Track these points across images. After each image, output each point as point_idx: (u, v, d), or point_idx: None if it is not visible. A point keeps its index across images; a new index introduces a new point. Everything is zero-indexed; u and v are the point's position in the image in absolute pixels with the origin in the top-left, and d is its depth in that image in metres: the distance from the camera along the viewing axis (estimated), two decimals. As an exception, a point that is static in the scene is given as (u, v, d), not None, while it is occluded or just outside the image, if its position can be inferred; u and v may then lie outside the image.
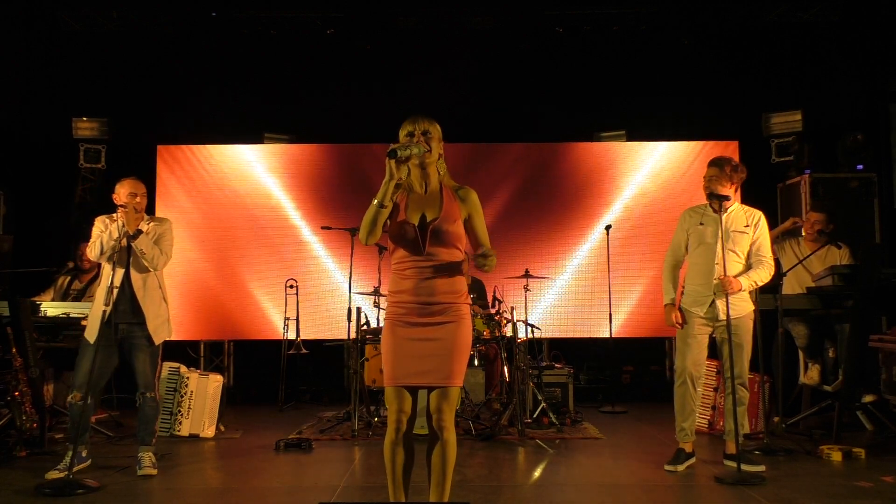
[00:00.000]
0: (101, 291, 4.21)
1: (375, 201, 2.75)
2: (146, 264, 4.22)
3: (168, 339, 4.39)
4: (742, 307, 4.24)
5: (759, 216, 4.33)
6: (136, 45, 7.55)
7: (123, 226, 4.15)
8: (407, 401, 2.81)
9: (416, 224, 2.80)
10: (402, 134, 2.94)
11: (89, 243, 4.24)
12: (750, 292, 4.34)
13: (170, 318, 4.42)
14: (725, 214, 4.22)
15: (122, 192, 4.30)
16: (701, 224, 4.32)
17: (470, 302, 2.93)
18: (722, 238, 4.17)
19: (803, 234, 5.65)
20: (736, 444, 4.08)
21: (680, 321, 4.30)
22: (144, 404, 4.28)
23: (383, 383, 2.92)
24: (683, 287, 4.42)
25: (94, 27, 7.48)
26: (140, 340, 4.24)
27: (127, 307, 4.21)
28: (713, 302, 4.22)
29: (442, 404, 2.75)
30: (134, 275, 4.23)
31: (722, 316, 4.18)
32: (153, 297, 4.28)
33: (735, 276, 4.17)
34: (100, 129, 7.31)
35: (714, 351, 4.47)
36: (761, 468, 4.08)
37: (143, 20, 7.40)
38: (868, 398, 5.24)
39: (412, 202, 2.86)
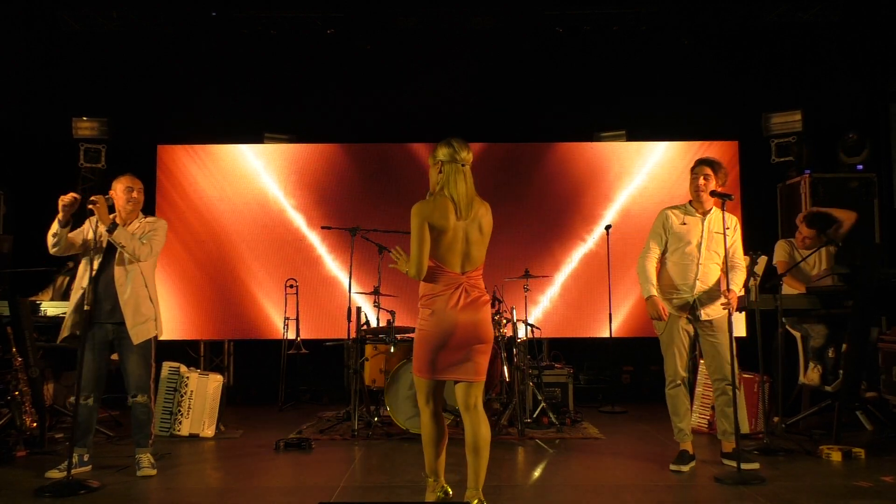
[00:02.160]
0: (76, 291, 4.17)
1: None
2: (128, 256, 4.12)
3: (152, 337, 4.24)
4: (719, 307, 4.27)
5: (735, 220, 4.42)
6: (136, 45, 7.55)
7: (98, 222, 4.06)
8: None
9: None
10: None
11: None
12: (740, 296, 4.42)
13: (158, 318, 4.29)
14: (708, 216, 4.30)
15: (119, 187, 4.28)
16: (683, 224, 4.35)
17: (424, 304, 3.28)
18: (725, 236, 4.22)
19: (796, 241, 5.62)
20: (737, 444, 4.08)
21: (666, 312, 4.31)
22: (136, 409, 4.20)
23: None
24: (662, 287, 4.42)
25: (94, 27, 7.48)
26: (126, 341, 4.15)
27: (111, 307, 4.14)
28: (695, 302, 4.25)
29: None
30: (118, 273, 4.16)
31: (703, 317, 4.25)
32: (136, 297, 4.17)
33: (715, 284, 4.26)
34: (100, 129, 7.31)
35: (699, 352, 4.51)
36: (755, 465, 4.07)
37: (143, 20, 7.40)
38: (869, 395, 5.24)
39: None
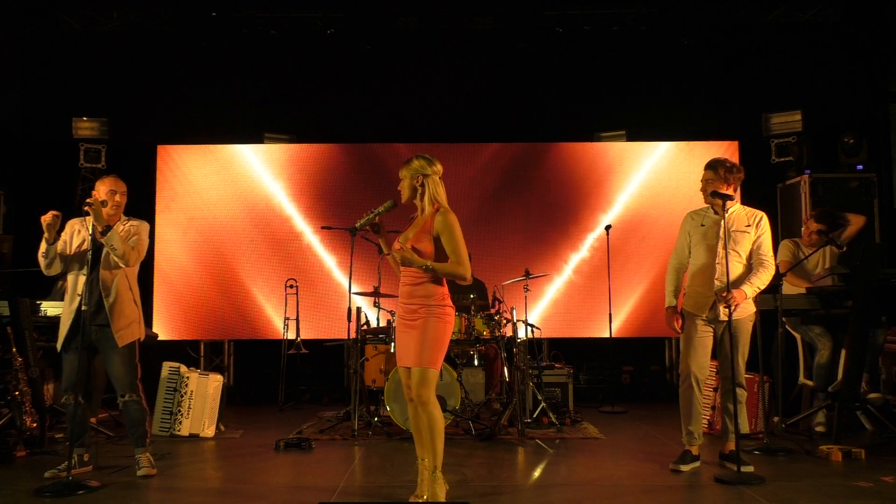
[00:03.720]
0: (71, 300, 4.11)
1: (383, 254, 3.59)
2: (117, 261, 4.07)
3: (136, 339, 4.19)
4: (743, 308, 4.23)
5: (760, 216, 4.31)
6: (136, 45, 7.55)
7: (93, 224, 4.02)
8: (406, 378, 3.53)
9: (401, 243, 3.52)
10: None
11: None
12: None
13: (141, 319, 4.24)
14: (727, 215, 4.21)
15: (102, 189, 4.19)
16: (702, 225, 4.31)
17: (444, 303, 3.49)
18: (725, 238, 4.15)
19: (802, 237, 5.61)
20: (737, 444, 4.07)
21: (680, 326, 4.30)
22: (128, 408, 4.16)
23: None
24: (686, 288, 4.41)
25: (94, 27, 7.48)
26: (110, 343, 4.11)
27: (95, 309, 4.08)
28: (714, 303, 4.22)
29: (417, 381, 3.42)
30: (104, 276, 4.10)
31: (723, 317, 4.18)
32: (121, 299, 4.13)
33: (736, 282, 4.16)
34: (100, 129, 7.31)
35: (714, 351, 4.47)
36: (750, 468, 4.06)
37: (143, 20, 7.41)
38: (872, 396, 5.22)
39: (412, 224, 3.59)
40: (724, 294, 4.08)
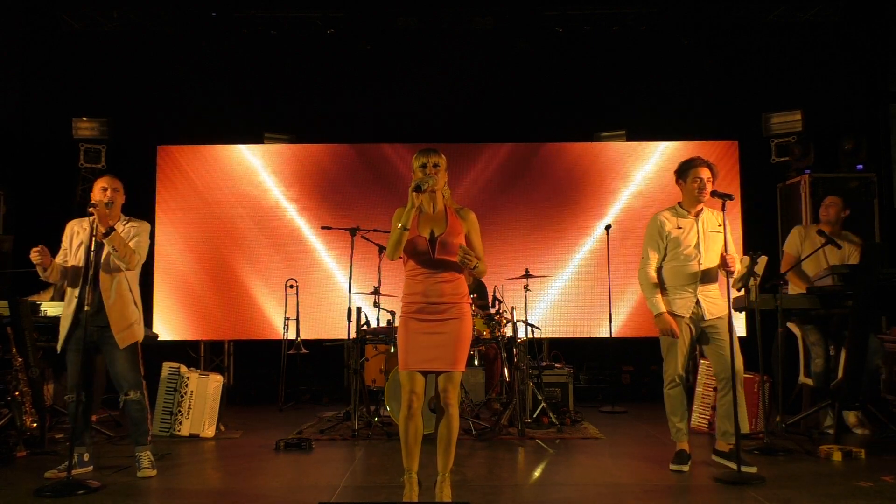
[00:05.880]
0: (69, 302, 4.13)
1: (399, 225, 3.26)
2: (118, 262, 4.08)
3: (136, 340, 4.19)
4: (723, 306, 4.28)
5: (724, 217, 4.39)
6: (136, 45, 7.56)
7: (95, 225, 4.01)
8: (418, 383, 3.35)
9: (427, 237, 3.35)
10: (416, 165, 3.40)
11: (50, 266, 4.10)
12: (740, 296, 4.39)
13: (141, 321, 4.24)
14: (701, 216, 4.31)
15: (96, 188, 4.22)
16: (679, 227, 4.33)
17: (470, 301, 3.45)
18: (725, 237, 4.22)
19: (821, 218, 5.46)
20: (737, 444, 4.07)
21: (677, 329, 4.28)
22: (129, 407, 4.18)
23: (399, 367, 3.40)
24: (667, 292, 4.39)
25: (94, 27, 7.49)
26: (112, 343, 4.12)
27: (96, 310, 4.08)
28: (697, 303, 4.25)
29: (448, 385, 3.35)
30: (103, 278, 4.11)
31: (707, 316, 4.23)
32: (121, 301, 4.13)
33: (714, 279, 4.28)
34: (100, 129, 7.32)
35: (701, 351, 4.50)
36: (752, 469, 4.05)
37: (143, 20, 7.41)
38: (859, 431, 5.22)
39: (423, 220, 3.40)
40: (724, 253, 4.18)
